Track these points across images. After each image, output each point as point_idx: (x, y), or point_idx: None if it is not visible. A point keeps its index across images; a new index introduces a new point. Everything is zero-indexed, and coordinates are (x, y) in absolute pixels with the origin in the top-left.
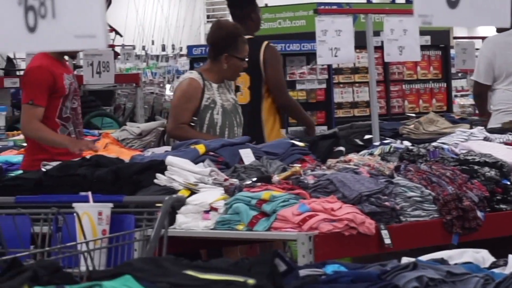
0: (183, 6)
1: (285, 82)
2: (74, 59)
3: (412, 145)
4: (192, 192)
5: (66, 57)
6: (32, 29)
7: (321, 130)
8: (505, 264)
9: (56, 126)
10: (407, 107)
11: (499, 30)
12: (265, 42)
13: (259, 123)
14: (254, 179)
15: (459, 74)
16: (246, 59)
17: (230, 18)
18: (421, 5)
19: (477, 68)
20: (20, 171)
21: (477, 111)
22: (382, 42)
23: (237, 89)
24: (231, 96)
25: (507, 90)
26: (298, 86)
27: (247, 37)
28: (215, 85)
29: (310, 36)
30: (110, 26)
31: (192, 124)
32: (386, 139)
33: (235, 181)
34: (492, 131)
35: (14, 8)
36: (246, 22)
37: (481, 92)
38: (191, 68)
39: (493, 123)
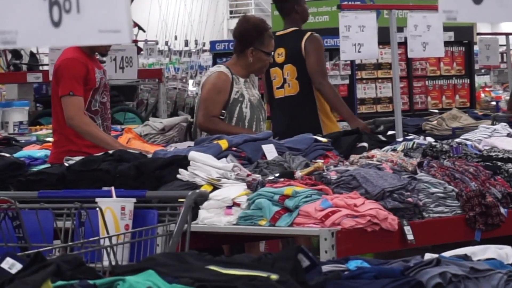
0: (206, 2)
1: (324, 68)
2: (104, 57)
3: (435, 141)
4: (215, 187)
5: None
6: (56, 24)
7: (343, 125)
8: None
9: None
10: (430, 103)
11: None
12: (308, 33)
13: (313, 112)
14: (277, 174)
15: (483, 71)
16: (272, 54)
17: (253, 13)
18: (446, 0)
19: None
20: (43, 166)
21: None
22: (405, 38)
23: (284, 81)
24: (256, 91)
25: None
26: None
27: (292, 29)
28: (242, 80)
29: (333, 32)
30: (133, 21)
31: (221, 117)
32: (409, 135)
33: (257, 176)
34: None
35: (39, 3)
36: (291, 15)
37: None
38: (214, 63)
39: None
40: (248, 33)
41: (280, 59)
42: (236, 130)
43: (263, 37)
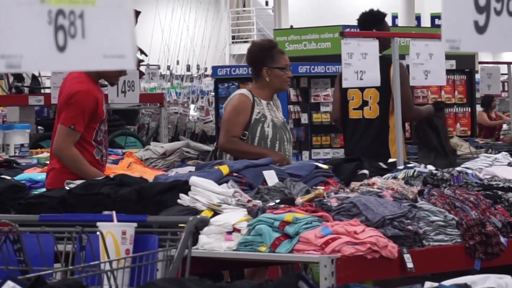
0: (208, 27)
1: (412, 98)
2: (112, 86)
3: (436, 170)
4: (215, 212)
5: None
6: (61, 49)
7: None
8: None
9: (92, 148)
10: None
11: None
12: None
13: (386, 138)
14: (277, 200)
15: None
16: (290, 68)
17: (255, 38)
18: (449, 30)
19: None
20: (44, 189)
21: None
22: (407, 65)
23: (365, 103)
24: (280, 114)
25: None
26: (322, 109)
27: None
28: (264, 102)
29: (335, 59)
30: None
31: (243, 137)
32: (410, 163)
33: (258, 202)
34: None
35: (44, 27)
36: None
37: None
38: (216, 88)
39: None
40: (257, 55)
41: None
42: (257, 150)
43: (272, 54)
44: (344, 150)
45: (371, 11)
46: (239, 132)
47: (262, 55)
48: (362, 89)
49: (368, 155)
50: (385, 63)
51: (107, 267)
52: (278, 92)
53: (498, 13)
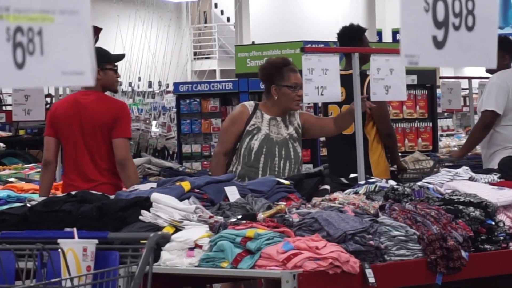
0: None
1: (389, 113)
2: (116, 93)
3: (397, 184)
4: (177, 229)
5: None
6: (20, 66)
7: (306, 168)
8: None
9: None
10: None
11: (489, 70)
12: (369, 76)
13: (366, 151)
14: (239, 216)
15: (445, 114)
16: (300, 87)
17: (217, 55)
18: (408, 45)
19: (494, 99)
20: (5, 206)
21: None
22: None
23: None
24: (287, 131)
25: None
26: None
27: (351, 71)
28: (267, 116)
29: None
30: None
31: (236, 148)
32: (371, 178)
33: (220, 218)
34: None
35: (2, 44)
36: (350, 58)
37: (493, 123)
38: (178, 104)
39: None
40: (267, 73)
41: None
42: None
43: (282, 72)
44: (328, 166)
45: (351, 26)
46: (230, 142)
47: (272, 72)
48: (340, 104)
49: (351, 170)
50: (362, 78)
51: (68, 284)
52: (288, 111)
53: (457, 28)
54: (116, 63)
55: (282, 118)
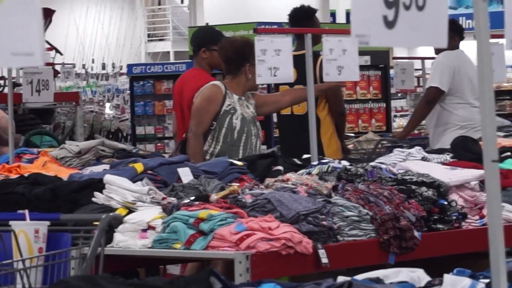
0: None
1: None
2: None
3: (350, 165)
4: (130, 210)
5: None
6: None
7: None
8: (440, 283)
9: None
10: (346, 127)
11: (437, 51)
12: (321, 57)
13: (318, 131)
14: (192, 198)
15: (399, 95)
16: None
17: (171, 37)
18: (358, 25)
19: (438, 77)
20: None
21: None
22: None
23: None
24: (251, 110)
25: (474, 106)
26: None
27: (303, 52)
28: (236, 96)
29: None
30: (50, 44)
31: (211, 127)
32: (324, 159)
33: (172, 199)
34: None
35: None
36: (303, 37)
37: (436, 100)
38: (131, 86)
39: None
40: (242, 52)
41: None
42: (197, 159)
43: (253, 52)
44: (280, 146)
45: (302, 7)
46: (208, 121)
47: (247, 51)
48: (291, 85)
49: (303, 150)
50: (313, 58)
51: (20, 265)
52: (251, 91)
53: (407, 7)
54: None
55: (245, 97)
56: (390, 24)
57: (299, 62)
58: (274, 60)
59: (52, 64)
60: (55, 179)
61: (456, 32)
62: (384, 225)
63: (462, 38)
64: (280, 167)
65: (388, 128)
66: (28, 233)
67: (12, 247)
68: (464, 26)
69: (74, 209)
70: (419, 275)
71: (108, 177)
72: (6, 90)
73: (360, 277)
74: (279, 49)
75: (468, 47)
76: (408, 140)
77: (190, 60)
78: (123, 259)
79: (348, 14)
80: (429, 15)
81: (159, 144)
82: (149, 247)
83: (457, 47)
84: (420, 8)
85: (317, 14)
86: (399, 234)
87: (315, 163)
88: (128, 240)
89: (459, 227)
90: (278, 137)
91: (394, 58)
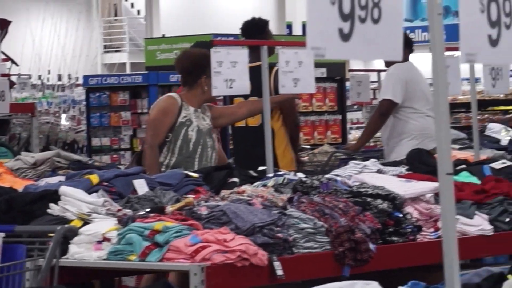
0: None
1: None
2: None
3: (306, 177)
4: (85, 222)
5: None
6: None
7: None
8: None
9: None
10: (301, 139)
11: (387, 64)
12: (275, 68)
13: (272, 143)
14: (147, 209)
15: (355, 107)
16: None
17: (127, 48)
18: (314, 37)
19: (391, 89)
20: None
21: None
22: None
23: None
24: (207, 122)
25: (428, 116)
26: None
27: (256, 64)
28: (191, 108)
29: None
30: (6, 55)
31: (167, 139)
32: (280, 171)
33: (128, 211)
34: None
35: None
36: (257, 49)
37: (390, 112)
38: (87, 98)
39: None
40: (198, 63)
41: None
42: (153, 171)
43: (210, 65)
44: (234, 158)
45: (253, 19)
46: (163, 133)
47: (204, 63)
48: (246, 97)
49: (257, 162)
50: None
51: None
52: (207, 102)
53: (363, 20)
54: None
55: (201, 109)
56: (345, 36)
57: (252, 74)
58: (230, 72)
59: (8, 75)
60: (10, 190)
61: (406, 45)
62: (339, 238)
63: (411, 51)
64: (236, 179)
65: (344, 140)
66: None
67: None
68: (420, 39)
69: (29, 220)
70: None
71: (63, 189)
72: None
73: None
74: (235, 61)
75: (424, 59)
76: (362, 152)
77: (147, 72)
78: (78, 271)
79: (304, 26)
80: (384, 28)
81: (114, 156)
82: (104, 259)
83: (407, 59)
84: (376, 21)
85: (273, 26)
86: (354, 246)
87: (271, 175)
88: (83, 251)
89: (414, 239)
90: (232, 149)
91: (350, 70)
